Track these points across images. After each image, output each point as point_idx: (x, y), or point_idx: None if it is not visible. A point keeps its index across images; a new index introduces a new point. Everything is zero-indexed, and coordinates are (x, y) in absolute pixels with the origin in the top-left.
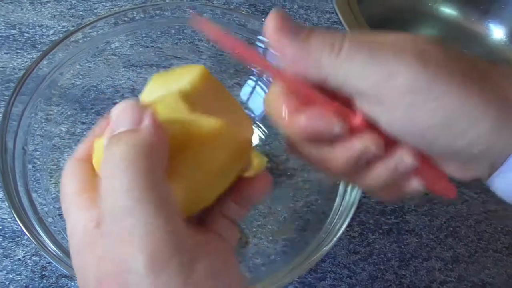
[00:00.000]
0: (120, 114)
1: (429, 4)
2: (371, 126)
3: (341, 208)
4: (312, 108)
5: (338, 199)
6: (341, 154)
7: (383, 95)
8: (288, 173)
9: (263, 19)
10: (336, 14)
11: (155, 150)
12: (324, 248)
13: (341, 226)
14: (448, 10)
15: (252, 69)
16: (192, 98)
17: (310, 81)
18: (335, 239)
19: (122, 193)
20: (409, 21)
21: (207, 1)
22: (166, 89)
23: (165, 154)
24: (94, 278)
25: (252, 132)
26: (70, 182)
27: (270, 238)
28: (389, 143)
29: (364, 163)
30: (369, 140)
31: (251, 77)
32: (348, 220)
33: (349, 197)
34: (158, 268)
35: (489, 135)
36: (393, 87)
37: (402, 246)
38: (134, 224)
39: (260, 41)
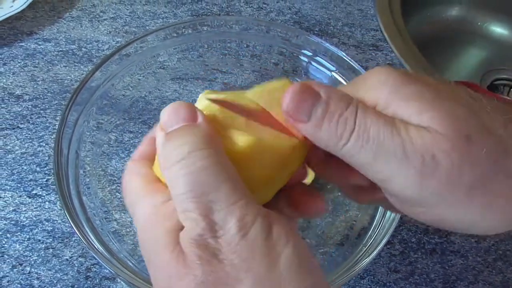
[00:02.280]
0: (173, 113)
1: (479, 23)
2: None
3: (381, 224)
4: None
5: (378, 215)
6: (369, 196)
7: (383, 189)
8: (328, 187)
9: (307, 35)
10: (381, 31)
11: (214, 138)
12: (362, 263)
13: (380, 242)
14: (498, 30)
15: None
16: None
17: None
18: (373, 254)
19: (201, 172)
20: (458, 41)
21: (253, 17)
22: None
23: (221, 143)
24: (184, 245)
25: (295, 141)
26: (132, 179)
27: None
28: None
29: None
30: None
31: None
32: (388, 236)
33: (390, 213)
34: (245, 229)
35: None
36: (394, 189)
37: (447, 267)
38: (219, 198)
39: (304, 55)
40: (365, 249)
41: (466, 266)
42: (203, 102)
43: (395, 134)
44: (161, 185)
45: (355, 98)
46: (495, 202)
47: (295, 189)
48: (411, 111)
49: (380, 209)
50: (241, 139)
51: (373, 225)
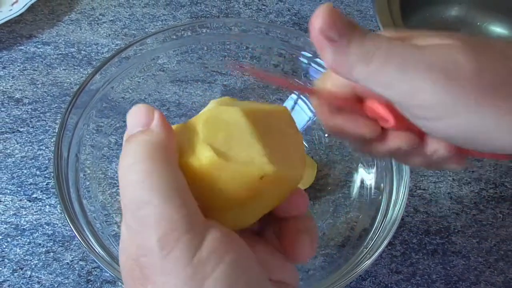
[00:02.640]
0: (131, 117)
1: (478, 23)
2: (404, 125)
3: (382, 226)
4: (348, 114)
5: (379, 217)
6: (378, 149)
7: (409, 107)
8: (329, 188)
9: (307, 36)
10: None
11: (164, 144)
12: (363, 265)
13: (381, 244)
14: (498, 30)
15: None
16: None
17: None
18: (374, 255)
19: (137, 185)
20: None
21: (252, 19)
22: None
23: (174, 148)
24: (122, 267)
25: (268, 169)
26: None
27: None
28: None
29: (401, 153)
30: (402, 141)
31: (293, 92)
32: (389, 238)
33: (391, 214)
34: (168, 248)
35: None
36: (417, 102)
37: (448, 268)
38: (149, 213)
39: (304, 56)
40: (366, 251)
41: (468, 267)
42: (211, 105)
43: (417, 47)
44: None
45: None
46: None
47: (286, 224)
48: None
49: (381, 211)
50: (204, 155)
51: (374, 227)
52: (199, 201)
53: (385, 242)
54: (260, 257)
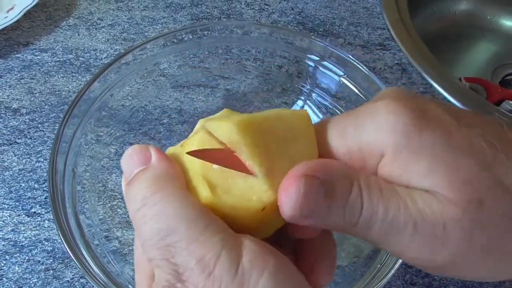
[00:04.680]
0: (127, 161)
1: (488, 17)
2: None
3: None
4: None
5: None
6: None
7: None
8: None
9: (312, 37)
10: (388, 30)
11: (170, 174)
12: (381, 281)
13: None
14: (508, 23)
15: (300, 88)
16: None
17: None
18: (392, 271)
19: (156, 218)
20: (467, 36)
21: (255, 19)
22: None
23: (181, 176)
24: None
25: (267, 199)
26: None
27: None
28: None
29: None
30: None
31: (300, 96)
32: None
33: None
34: (210, 267)
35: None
36: (403, 260)
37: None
38: (176, 240)
39: (310, 59)
40: (380, 265)
41: None
42: (198, 136)
43: (403, 210)
44: None
45: (355, 170)
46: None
47: (302, 244)
48: (420, 170)
49: None
50: (201, 194)
51: None
52: None
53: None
54: None
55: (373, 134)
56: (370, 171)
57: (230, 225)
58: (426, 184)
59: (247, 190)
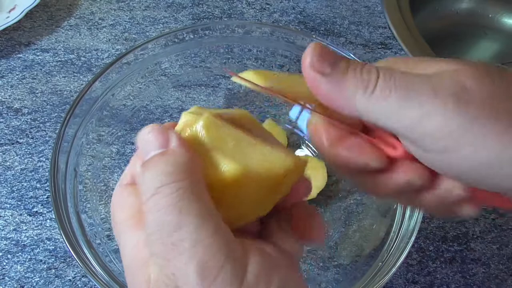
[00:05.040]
0: (146, 139)
1: (490, 15)
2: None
3: (400, 235)
4: (351, 140)
5: (396, 225)
6: (385, 184)
7: (417, 138)
8: (340, 195)
9: (313, 36)
10: (390, 29)
11: (189, 166)
12: (382, 280)
13: (400, 255)
14: (511, 21)
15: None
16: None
17: (345, 116)
18: (393, 269)
19: (166, 209)
20: (469, 34)
21: (256, 19)
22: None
23: (200, 167)
24: None
25: (289, 164)
26: (119, 209)
27: (321, 264)
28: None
29: (411, 191)
30: (413, 173)
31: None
32: (408, 248)
33: (408, 222)
34: (210, 277)
35: None
36: (426, 131)
37: (468, 277)
38: (182, 238)
39: None
40: (382, 264)
41: (489, 275)
42: (187, 117)
43: (420, 74)
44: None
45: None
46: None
47: (296, 208)
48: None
49: (397, 219)
50: (227, 168)
51: (390, 237)
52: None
53: (405, 253)
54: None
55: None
56: None
57: (243, 198)
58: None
59: (266, 160)
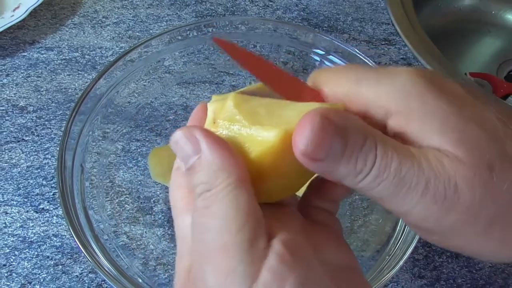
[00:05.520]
0: (180, 148)
1: (493, 12)
2: None
3: (406, 229)
4: None
5: (402, 219)
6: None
7: (410, 223)
8: None
9: (317, 32)
10: (393, 25)
11: (223, 168)
12: (388, 274)
13: (407, 249)
14: None
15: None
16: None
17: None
18: (400, 263)
19: (202, 211)
20: (472, 31)
21: (259, 16)
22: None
23: (235, 163)
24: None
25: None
26: (174, 190)
27: None
28: None
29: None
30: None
31: None
32: (414, 242)
33: None
34: (223, 276)
35: None
36: (413, 218)
37: (474, 271)
38: (209, 239)
39: (316, 54)
40: (389, 258)
41: (495, 270)
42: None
43: (417, 167)
44: None
45: (370, 127)
46: None
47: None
48: (432, 129)
49: None
50: (267, 135)
51: (396, 231)
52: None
53: (411, 248)
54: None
55: (391, 94)
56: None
57: (293, 163)
58: (437, 143)
59: (303, 112)
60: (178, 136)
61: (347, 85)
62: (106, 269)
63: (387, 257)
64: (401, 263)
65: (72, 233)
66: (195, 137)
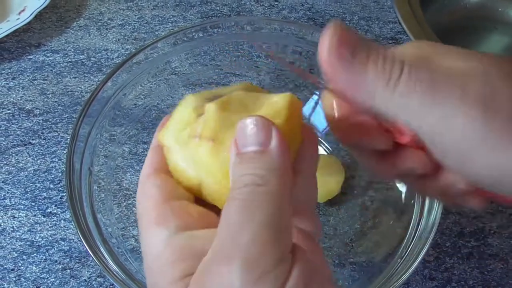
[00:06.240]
0: (248, 132)
1: (499, 9)
2: (421, 143)
3: (418, 232)
4: (361, 118)
5: (413, 221)
6: (388, 166)
7: (436, 138)
8: (354, 192)
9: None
10: (400, 24)
11: (280, 171)
12: (401, 277)
13: (420, 252)
14: None
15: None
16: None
17: (359, 107)
18: (413, 266)
19: (240, 209)
20: (478, 28)
21: (265, 16)
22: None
23: (290, 171)
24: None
25: (289, 96)
26: (142, 200)
27: (337, 261)
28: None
29: (414, 177)
30: (416, 162)
31: (315, 92)
32: (427, 245)
33: (426, 218)
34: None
35: None
36: (447, 132)
37: (486, 273)
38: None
39: None
40: (401, 260)
41: (507, 271)
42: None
43: (450, 72)
44: (176, 206)
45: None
46: None
47: None
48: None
49: (415, 215)
50: (279, 96)
51: (408, 233)
52: None
53: (424, 250)
54: None
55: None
56: None
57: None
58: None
59: (271, 103)
60: (255, 121)
61: None
62: (115, 273)
63: (399, 260)
64: (414, 266)
65: (81, 237)
66: (270, 131)
